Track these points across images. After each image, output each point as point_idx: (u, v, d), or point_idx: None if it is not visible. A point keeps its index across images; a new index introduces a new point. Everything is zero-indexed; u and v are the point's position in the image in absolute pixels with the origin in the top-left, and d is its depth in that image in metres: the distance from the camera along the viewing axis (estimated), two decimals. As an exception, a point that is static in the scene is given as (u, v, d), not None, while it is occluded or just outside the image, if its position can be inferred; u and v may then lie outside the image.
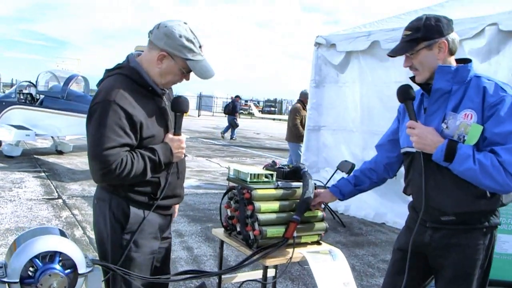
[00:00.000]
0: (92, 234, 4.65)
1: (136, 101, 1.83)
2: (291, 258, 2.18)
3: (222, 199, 2.45)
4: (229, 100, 45.42)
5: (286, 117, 17.56)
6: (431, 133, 1.85)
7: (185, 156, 2.05)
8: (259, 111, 38.21)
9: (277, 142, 18.23)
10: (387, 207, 5.96)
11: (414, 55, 1.92)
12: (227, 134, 17.92)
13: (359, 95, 6.32)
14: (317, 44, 6.73)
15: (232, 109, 17.98)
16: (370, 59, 6.05)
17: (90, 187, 6.87)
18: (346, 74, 6.49)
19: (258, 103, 47.98)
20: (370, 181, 2.32)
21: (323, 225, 2.40)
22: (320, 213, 2.41)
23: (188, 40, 1.86)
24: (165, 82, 1.94)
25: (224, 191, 2.46)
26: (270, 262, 2.16)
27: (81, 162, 9.25)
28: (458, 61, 1.97)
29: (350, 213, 6.36)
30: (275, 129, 25.71)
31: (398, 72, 5.68)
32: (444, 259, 1.94)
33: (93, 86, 10.57)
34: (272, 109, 46.56)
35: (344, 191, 2.34)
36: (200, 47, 1.90)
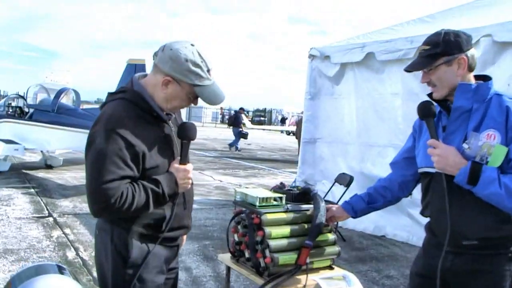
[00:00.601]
0: (86, 255, 4.49)
1: (139, 129, 1.71)
2: (305, 286, 2.06)
3: (230, 224, 2.33)
4: (218, 111, 45.09)
5: (276, 127, 17.67)
6: (453, 154, 1.77)
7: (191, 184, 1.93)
8: (249, 121, 38.17)
9: (269, 152, 18.17)
10: (386, 219, 5.88)
11: (432, 71, 1.85)
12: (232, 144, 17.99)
13: (355, 107, 6.26)
14: (311, 56, 6.68)
15: (235, 120, 18.23)
16: (365, 70, 6.00)
17: (82, 204, 6.68)
18: (341, 86, 6.43)
19: (248, 113, 47.99)
20: (384, 200, 2.23)
21: (336, 249, 2.29)
22: (331, 236, 2.30)
23: (194, 64, 1.74)
24: (171, 107, 1.83)
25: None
26: (283, 292, 2.04)
27: (71, 177, 9.05)
28: (476, 77, 1.91)
29: (348, 226, 6.25)
30: (266, 139, 25.69)
31: (394, 84, 5.66)
32: (468, 286, 1.84)
33: (84, 97, 10.42)
34: (262, 119, 46.57)
35: (356, 209, 2.24)
36: (208, 71, 1.78)
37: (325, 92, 6.68)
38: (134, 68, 8.38)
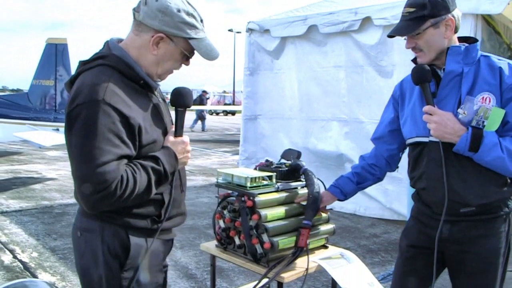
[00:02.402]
0: (25, 257, 4.01)
1: (130, 99, 1.44)
2: (307, 269, 1.92)
3: (217, 209, 2.12)
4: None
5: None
6: (451, 121, 1.68)
7: None
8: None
9: (196, 133, 17.84)
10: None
11: (419, 35, 1.73)
12: (198, 127, 19.08)
13: (296, 81, 6.20)
14: (249, 30, 6.49)
15: (200, 103, 19.63)
16: (307, 43, 5.94)
17: (8, 201, 5.99)
18: (281, 60, 6.33)
19: (167, 94, 46.71)
20: (373, 177, 2.12)
21: (330, 226, 2.19)
22: (324, 214, 2.18)
23: (188, 14, 1.49)
24: (161, 71, 1.56)
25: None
26: (288, 278, 1.89)
27: (-14, 171, 8.13)
28: (459, 39, 1.82)
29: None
30: (190, 120, 25.10)
31: (337, 57, 5.65)
32: (466, 253, 1.80)
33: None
34: (183, 99, 45.40)
35: (346, 191, 2.11)
36: (202, 21, 1.55)
37: (265, 67, 6.54)
38: (55, 48, 7.69)
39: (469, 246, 1.79)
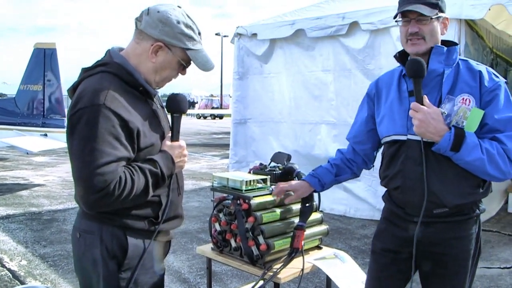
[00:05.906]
0: (14, 266, 3.96)
1: (129, 104, 1.49)
2: (302, 270, 1.96)
3: (213, 212, 2.14)
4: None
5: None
6: (435, 119, 1.65)
7: None
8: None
9: (184, 137, 17.72)
10: (322, 194, 5.98)
11: (427, 22, 1.72)
12: None
13: (285, 85, 6.25)
14: (238, 35, 6.53)
15: None
16: (295, 48, 5.99)
17: (-7, 208, 5.92)
18: (270, 64, 6.38)
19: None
20: (351, 172, 2.06)
21: (324, 227, 2.22)
22: (318, 215, 2.22)
23: (187, 26, 1.57)
24: (159, 79, 1.62)
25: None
26: (284, 279, 1.91)
27: (-29, 179, 8.00)
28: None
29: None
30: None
31: (325, 61, 5.71)
32: (440, 255, 1.78)
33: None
34: (168, 104, 45.37)
35: (324, 181, 2.03)
36: (199, 34, 1.62)
37: (254, 71, 6.59)
38: (43, 52, 7.65)
39: (442, 248, 1.77)
